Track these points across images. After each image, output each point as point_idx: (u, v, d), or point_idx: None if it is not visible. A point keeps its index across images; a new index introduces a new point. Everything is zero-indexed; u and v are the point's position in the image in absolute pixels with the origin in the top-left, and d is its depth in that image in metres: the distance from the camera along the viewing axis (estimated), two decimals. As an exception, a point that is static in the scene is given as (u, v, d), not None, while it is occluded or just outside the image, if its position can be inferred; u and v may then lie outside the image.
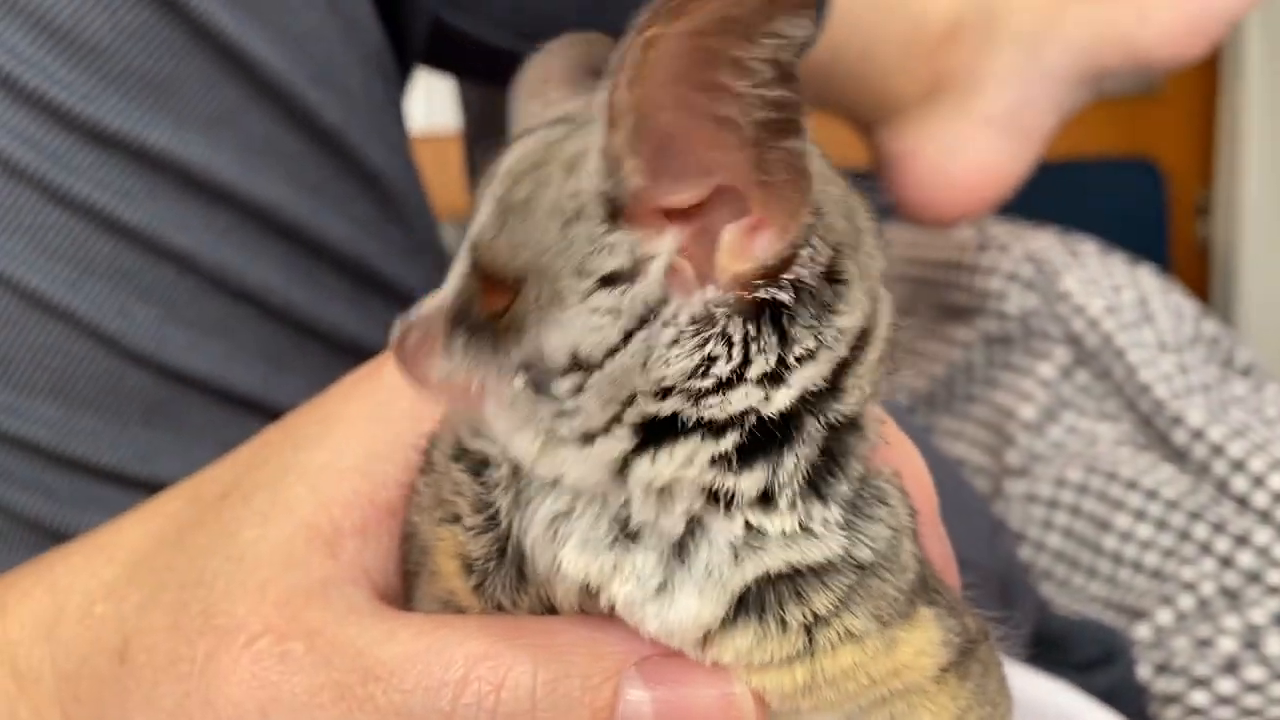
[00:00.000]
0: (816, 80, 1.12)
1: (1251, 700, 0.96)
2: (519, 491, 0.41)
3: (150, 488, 0.65)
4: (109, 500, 0.65)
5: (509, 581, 0.43)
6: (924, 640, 0.43)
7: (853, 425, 0.41)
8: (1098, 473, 1.12)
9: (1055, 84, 1.17)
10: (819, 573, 0.41)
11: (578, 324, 0.37)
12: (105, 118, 0.64)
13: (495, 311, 0.39)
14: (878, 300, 0.40)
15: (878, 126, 1.20)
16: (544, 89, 0.48)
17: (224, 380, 0.68)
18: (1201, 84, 2.23)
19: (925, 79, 1.16)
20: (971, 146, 1.16)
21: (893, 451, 0.47)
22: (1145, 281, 1.25)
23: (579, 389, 0.38)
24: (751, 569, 0.40)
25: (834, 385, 0.39)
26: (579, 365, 0.38)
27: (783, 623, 0.40)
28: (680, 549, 0.40)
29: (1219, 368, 1.23)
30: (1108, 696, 0.97)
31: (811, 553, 0.40)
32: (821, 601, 0.40)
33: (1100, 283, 1.23)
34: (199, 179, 0.66)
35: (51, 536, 0.64)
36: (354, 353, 0.73)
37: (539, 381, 0.38)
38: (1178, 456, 1.12)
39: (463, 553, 0.44)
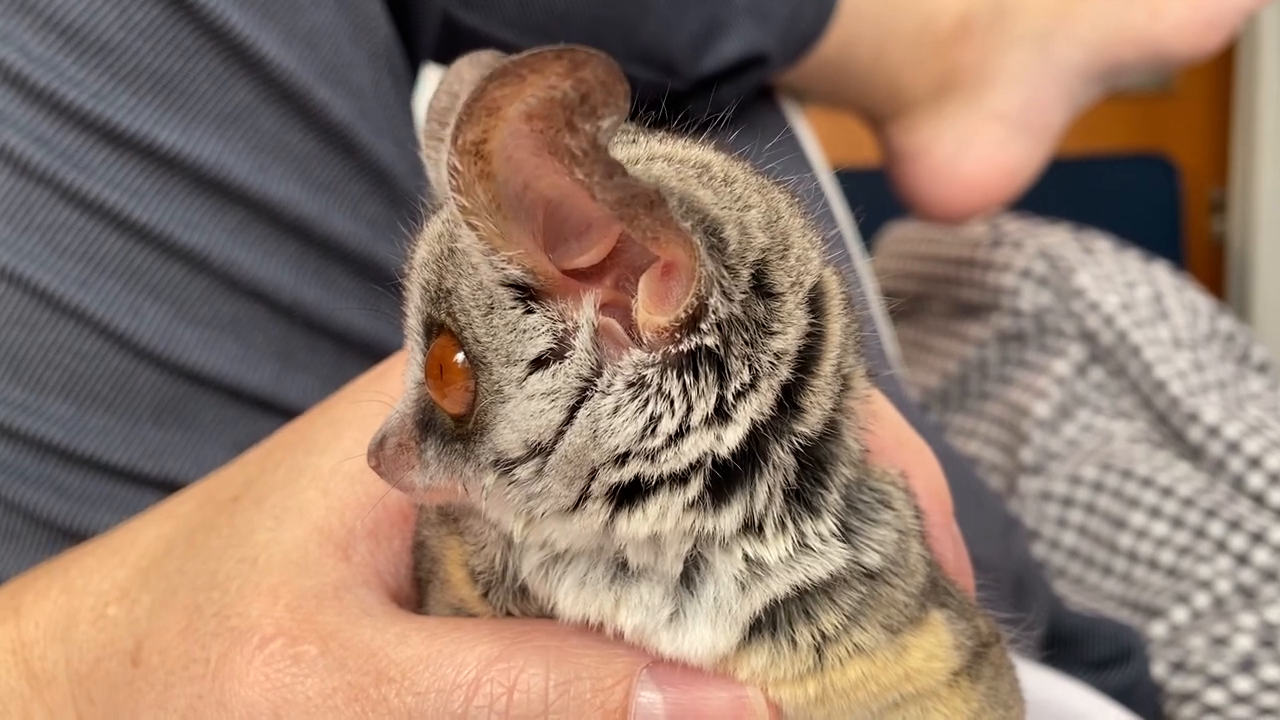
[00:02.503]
0: (828, 77, 1.12)
1: (1268, 699, 0.95)
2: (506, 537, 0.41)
3: (161, 485, 0.66)
4: (120, 498, 0.65)
5: (513, 594, 0.43)
6: (934, 644, 0.43)
7: (831, 434, 0.40)
8: (1113, 470, 1.11)
9: (1066, 80, 1.16)
10: (826, 589, 0.41)
11: (520, 412, 0.37)
12: (116, 116, 0.63)
13: (459, 416, 0.38)
14: (823, 309, 0.39)
15: (889, 123, 1.19)
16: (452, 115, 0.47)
17: (234, 378, 0.68)
18: (1216, 80, 2.22)
19: (936, 76, 1.16)
20: (982, 143, 1.16)
21: (907, 453, 0.47)
22: (1160, 278, 1.24)
23: (540, 473, 0.38)
24: (759, 597, 0.40)
25: (794, 405, 0.39)
26: (534, 451, 0.38)
27: (793, 642, 0.41)
28: (687, 580, 0.40)
29: (1235, 364, 1.22)
30: (1123, 695, 0.97)
31: (814, 570, 0.40)
32: (829, 620, 0.41)
33: (1115, 279, 1.22)
34: (210, 178, 0.66)
35: (63, 535, 0.64)
36: (364, 351, 0.73)
37: (508, 471, 0.38)
38: (1193, 454, 1.11)
39: (468, 563, 0.44)
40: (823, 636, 0.40)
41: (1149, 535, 1.07)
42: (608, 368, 0.37)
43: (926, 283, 1.36)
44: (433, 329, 0.39)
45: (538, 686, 0.40)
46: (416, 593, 0.48)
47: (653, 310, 0.36)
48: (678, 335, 0.36)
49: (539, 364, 0.37)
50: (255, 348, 0.69)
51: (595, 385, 0.37)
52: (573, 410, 0.37)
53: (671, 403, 0.37)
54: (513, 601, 0.43)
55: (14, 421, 0.63)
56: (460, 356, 0.38)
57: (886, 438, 0.46)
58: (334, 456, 0.47)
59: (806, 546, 0.40)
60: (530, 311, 0.37)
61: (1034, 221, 1.33)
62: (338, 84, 0.71)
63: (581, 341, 0.37)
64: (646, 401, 0.37)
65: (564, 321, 0.37)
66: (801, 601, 0.40)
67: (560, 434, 0.37)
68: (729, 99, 1.00)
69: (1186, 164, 2.24)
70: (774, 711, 0.41)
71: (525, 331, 0.37)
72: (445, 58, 0.93)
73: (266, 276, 0.69)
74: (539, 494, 0.38)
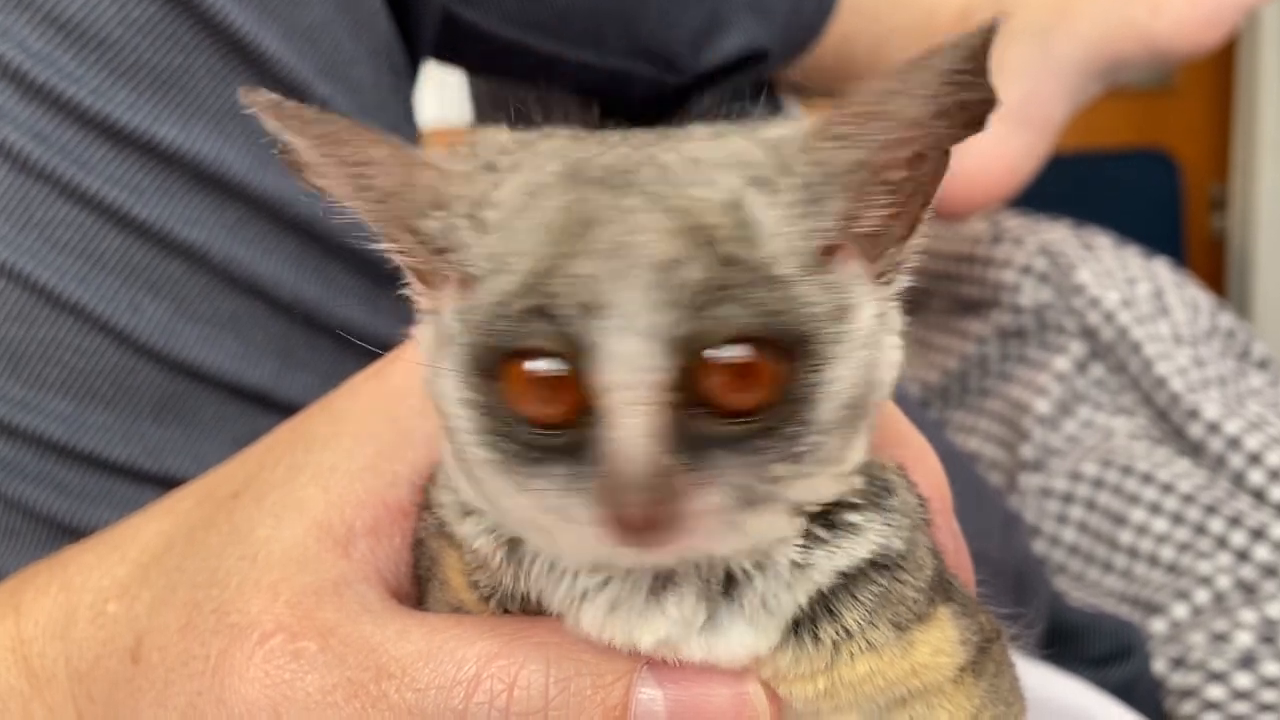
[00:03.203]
0: (829, 70, 1.12)
1: (1268, 695, 0.95)
2: (512, 549, 0.41)
3: (161, 482, 0.66)
4: (120, 495, 0.65)
5: (514, 603, 0.42)
6: (941, 639, 0.42)
7: None
8: (1113, 466, 1.11)
9: (1067, 76, 1.16)
10: (848, 584, 0.40)
11: (837, 375, 0.36)
12: (115, 112, 0.63)
13: (746, 409, 0.35)
14: None
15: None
16: None
17: (234, 375, 0.68)
18: (1217, 77, 2.22)
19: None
20: (983, 139, 1.15)
21: (907, 449, 0.47)
22: (1161, 274, 1.24)
23: (824, 441, 0.37)
24: (803, 590, 0.40)
25: None
26: (833, 420, 0.36)
27: (816, 639, 0.40)
28: (730, 583, 0.40)
29: (1235, 361, 1.22)
30: (1123, 691, 0.97)
31: (858, 550, 0.40)
32: (852, 617, 0.40)
33: (1115, 275, 1.22)
34: (209, 173, 0.66)
35: (63, 532, 0.64)
36: (365, 347, 0.73)
37: (808, 451, 0.36)
38: (1194, 450, 1.11)
39: (469, 573, 0.43)
40: (845, 633, 0.40)
41: (1149, 531, 1.07)
42: (881, 312, 0.39)
43: (927, 279, 1.36)
44: (693, 339, 0.34)
45: (538, 683, 0.40)
46: (416, 589, 0.47)
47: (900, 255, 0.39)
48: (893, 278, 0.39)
49: (844, 322, 0.37)
50: (255, 344, 0.69)
51: (878, 341, 0.38)
52: (863, 369, 0.37)
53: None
54: (512, 605, 0.42)
55: (13, 418, 0.63)
56: (749, 350, 0.35)
57: (887, 434, 0.45)
58: (333, 453, 0.47)
59: (847, 529, 0.40)
60: (828, 271, 0.37)
61: (1034, 217, 1.33)
62: (337, 80, 0.71)
63: (865, 291, 0.38)
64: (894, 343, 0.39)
65: (848, 282, 0.38)
66: (825, 600, 0.40)
67: (857, 395, 0.37)
68: (729, 94, 1.00)
69: (1187, 160, 2.24)
70: (775, 707, 0.41)
71: (833, 290, 0.36)
72: (445, 54, 0.93)
73: (266, 273, 0.69)
74: (808, 473, 0.37)
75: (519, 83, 0.98)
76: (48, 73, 0.62)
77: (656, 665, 0.41)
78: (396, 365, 0.49)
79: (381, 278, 0.74)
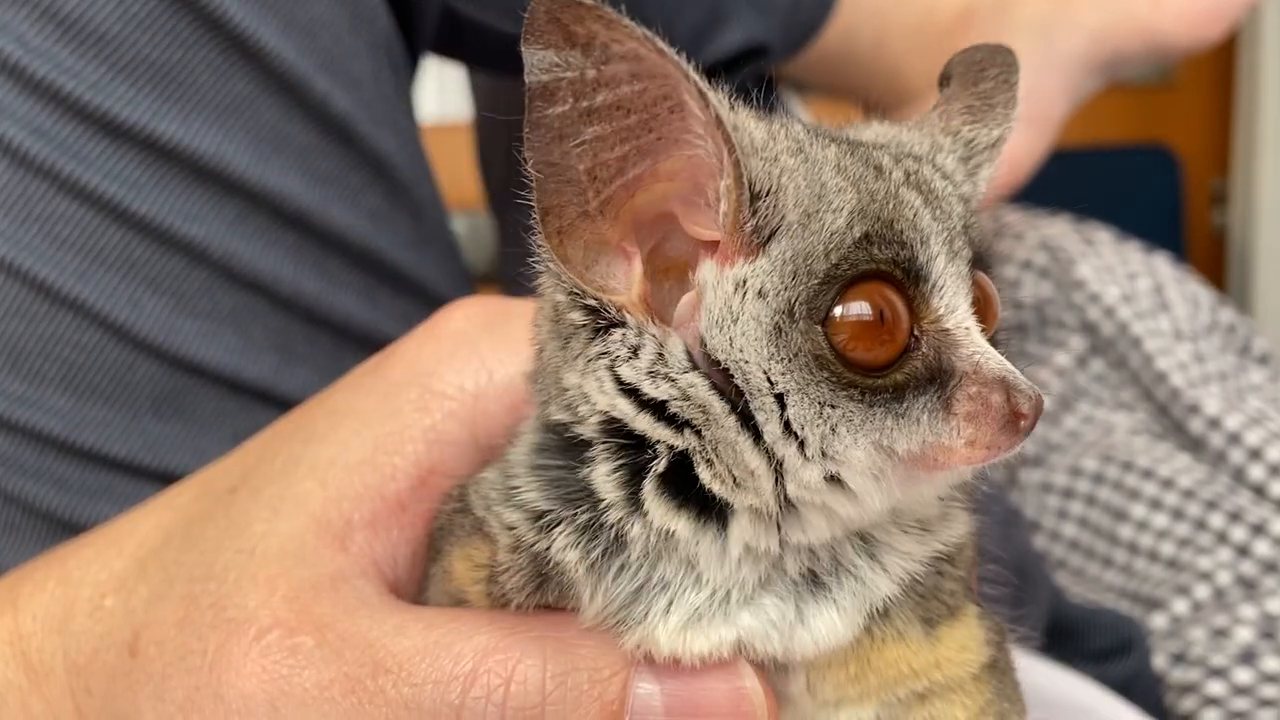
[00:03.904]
0: (829, 67, 1.12)
1: (1268, 690, 0.95)
2: (604, 549, 0.40)
3: (160, 478, 0.66)
4: (119, 490, 0.65)
5: (533, 603, 0.42)
6: (967, 637, 0.43)
7: None
8: (1113, 462, 1.11)
9: (1068, 70, 1.16)
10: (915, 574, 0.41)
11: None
12: (114, 108, 0.63)
13: (987, 322, 0.39)
14: None
15: (891, 114, 1.19)
16: None
17: (234, 370, 0.68)
18: (1217, 72, 2.22)
19: (937, 66, 1.16)
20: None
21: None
22: (1161, 269, 1.24)
23: None
24: (898, 575, 0.40)
25: None
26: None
27: (867, 630, 0.41)
28: (835, 566, 0.40)
29: (1236, 356, 1.22)
30: (1123, 687, 0.97)
31: (952, 535, 0.41)
32: (899, 612, 0.41)
33: (1115, 270, 1.22)
34: (209, 169, 0.66)
35: (62, 527, 0.64)
36: (364, 343, 0.73)
37: None
38: (1194, 445, 1.11)
39: (493, 570, 0.43)
40: (883, 618, 0.41)
41: (1149, 527, 1.07)
42: None
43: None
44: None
45: (535, 678, 0.40)
46: (426, 568, 0.47)
47: None
48: None
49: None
50: (254, 340, 0.69)
51: None
52: None
53: None
54: (524, 598, 0.42)
55: (13, 414, 0.63)
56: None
57: None
58: (332, 447, 0.47)
59: (945, 512, 0.41)
60: None
61: (1034, 213, 1.32)
62: (337, 74, 0.71)
63: None
64: None
65: None
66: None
67: None
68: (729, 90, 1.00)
69: (1187, 155, 2.24)
70: (772, 702, 0.41)
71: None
72: (445, 49, 0.92)
73: (266, 268, 0.69)
74: None
75: (519, 78, 0.98)
76: (46, 68, 0.62)
77: (653, 660, 0.41)
78: (395, 359, 0.49)
79: (380, 273, 0.74)
